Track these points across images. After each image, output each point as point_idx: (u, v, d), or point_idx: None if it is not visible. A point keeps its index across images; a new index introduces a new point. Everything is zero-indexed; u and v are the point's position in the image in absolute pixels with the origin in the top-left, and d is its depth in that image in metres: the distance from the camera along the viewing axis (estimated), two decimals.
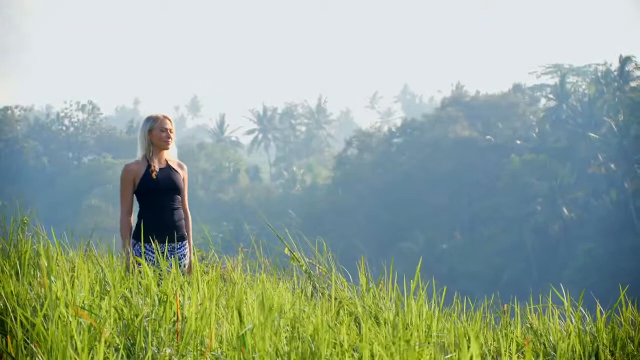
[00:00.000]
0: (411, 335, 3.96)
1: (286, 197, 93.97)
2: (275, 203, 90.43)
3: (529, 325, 5.11)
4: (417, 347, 3.83)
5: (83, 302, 4.26)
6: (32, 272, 5.04)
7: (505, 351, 4.86)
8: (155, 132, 6.25)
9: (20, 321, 4.15)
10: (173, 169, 6.29)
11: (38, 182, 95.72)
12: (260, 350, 3.82)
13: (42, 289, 4.53)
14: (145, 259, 6.04)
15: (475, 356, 3.46)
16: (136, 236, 6.13)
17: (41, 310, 4.22)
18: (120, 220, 6.16)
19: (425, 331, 4.69)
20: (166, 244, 6.13)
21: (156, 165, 6.23)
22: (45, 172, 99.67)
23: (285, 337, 4.15)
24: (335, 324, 4.53)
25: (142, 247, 6.00)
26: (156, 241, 6.07)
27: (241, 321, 4.07)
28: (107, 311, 4.23)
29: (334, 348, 3.98)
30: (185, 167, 6.44)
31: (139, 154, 6.28)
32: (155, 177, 6.19)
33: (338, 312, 5.25)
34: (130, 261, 5.84)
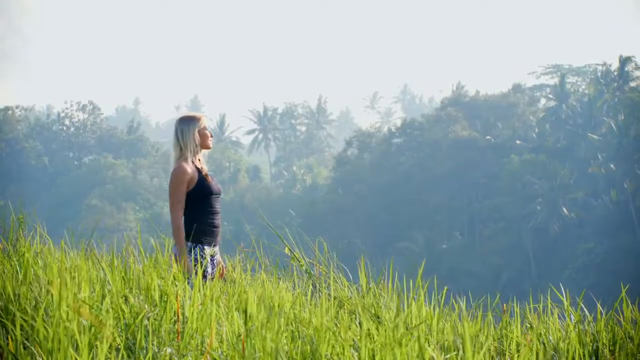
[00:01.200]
0: (411, 334, 3.96)
1: (286, 197, 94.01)
2: (275, 203, 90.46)
3: (529, 325, 5.12)
4: (417, 346, 3.84)
5: (83, 302, 4.27)
6: (32, 272, 5.05)
7: (506, 351, 4.87)
8: (202, 131, 6.07)
9: (20, 322, 4.16)
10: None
11: (39, 182, 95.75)
12: (262, 350, 3.83)
13: (43, 289, 4.54)
14: (202, 264, 5.91)
15: (476, 356, 3.47)
16: (193, 240, 5.93)
17: (43, 310, 4.23)
18: (178, 225, 5.85)
19: (425, 331, 4.70)
20: (211, 248, 6.02)
21: (205, 168, 6.09)
22: (46, 172, 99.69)
23: (286, 337, 4.16)
24: (336, 324, 4.53)
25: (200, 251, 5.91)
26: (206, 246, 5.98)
27: (246, 321, 4.08)
28: (107, 311, 4.24)
29: (334, 348, 3.99)
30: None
31: (187, 156, 5.99)
32: (209, 180, 6.03)
33: (338, 312, 5.26)
34: (193, 265, 5.76)
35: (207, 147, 6.10)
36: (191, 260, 5.84)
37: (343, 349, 3.91)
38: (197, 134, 6.03)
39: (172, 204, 5.94)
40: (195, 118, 6.09)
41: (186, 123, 6.05)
